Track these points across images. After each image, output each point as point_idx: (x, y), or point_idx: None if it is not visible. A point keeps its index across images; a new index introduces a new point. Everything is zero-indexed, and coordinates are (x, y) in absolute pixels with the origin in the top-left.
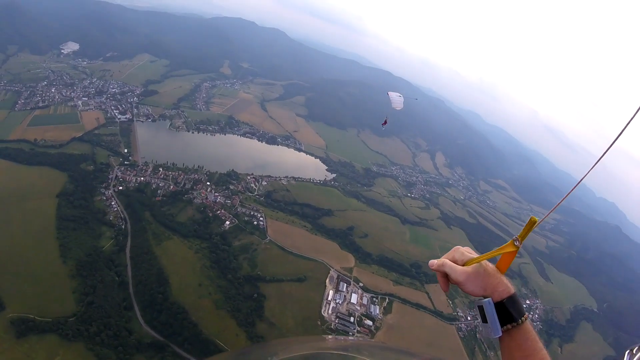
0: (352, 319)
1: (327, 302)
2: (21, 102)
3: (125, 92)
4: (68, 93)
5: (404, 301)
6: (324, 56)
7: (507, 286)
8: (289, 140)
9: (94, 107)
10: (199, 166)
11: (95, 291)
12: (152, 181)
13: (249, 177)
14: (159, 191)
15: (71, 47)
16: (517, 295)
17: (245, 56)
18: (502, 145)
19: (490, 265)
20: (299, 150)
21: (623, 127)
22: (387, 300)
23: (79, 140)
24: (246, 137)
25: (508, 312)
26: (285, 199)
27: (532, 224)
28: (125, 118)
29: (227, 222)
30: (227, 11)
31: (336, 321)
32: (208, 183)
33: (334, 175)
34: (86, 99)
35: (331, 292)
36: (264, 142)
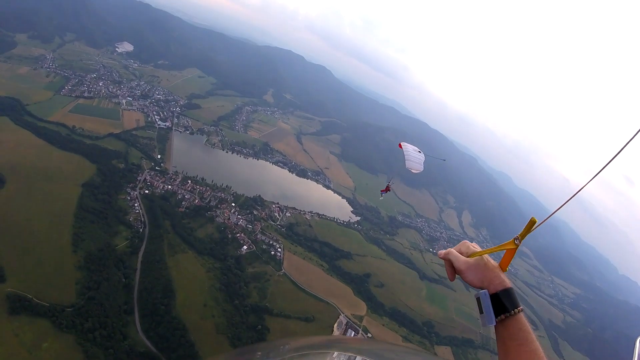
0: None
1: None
2: (67, 88)
3: (169, 101)
4: (114, 90)
5: None
6: (364, 99)
7: (504, 280)
8: (319, 175)
9: (137, 108)
10: (227, 186)
11: (99, 287)
12: (179, 191)
13: (273, 206)
14: (183, 202)
15: (126, 47)
16: (513, 290)
17: (289, 87)
18: (530, 210)
19: (491, 261)
20: (328, 187)
21: None
22: None
23: (115, 136)
24: (278, 166)
25: (502, 303)
26: (307, 234)
27: (532, 224)
28: (165, 125)
29: (245, 247)
30: (278, 42)
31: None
32: (233, 204)
33: (359, 218)
34: (130, 99)
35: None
36: (294, 174)
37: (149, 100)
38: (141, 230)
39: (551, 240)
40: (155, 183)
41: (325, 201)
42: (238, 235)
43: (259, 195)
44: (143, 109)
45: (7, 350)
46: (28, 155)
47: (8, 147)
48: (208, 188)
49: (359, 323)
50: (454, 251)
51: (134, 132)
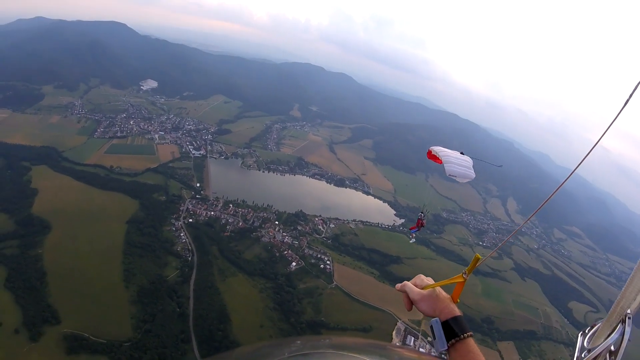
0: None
1: None
2: (100, 130)
3: (200, 130)
4: (145, 126)
5: None
6: (390, 100)
7: (453, 309)
8: (357, 183)
9: (170, 141)
10: (268, 205)
11: (154, 319)
12: (222, 216)
13: (316, 219)
14: (227, 227)
15: (150, 84)
16: (462, 317)
17: (314, 100)
18: (575, 188)
19: (443, 292)
20: (367, 193)
21: None
22: None
23: (153, 171)
24: (315, 179)
25: (452, 329)
26: (353, 243)
27: (476, 260)
28: (199, 154)
29: (294, 264)
30: (295, 57)
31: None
32: (277, 222)
33: (403, 220)
34: (162, 133)
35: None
36: (332, 184)
37: (181, 132)
38: (190, 258)
39: (600, 216)
40: (198, 211)
41: (367, 207)
42: (285, 252)
43: (301, 210)
44: (176, 140)
45: None
46: (70, 199)
47: (50, 194)
48: (250, 209)
49: (417, 328)
50: (409, 284)
51: (170, 165)
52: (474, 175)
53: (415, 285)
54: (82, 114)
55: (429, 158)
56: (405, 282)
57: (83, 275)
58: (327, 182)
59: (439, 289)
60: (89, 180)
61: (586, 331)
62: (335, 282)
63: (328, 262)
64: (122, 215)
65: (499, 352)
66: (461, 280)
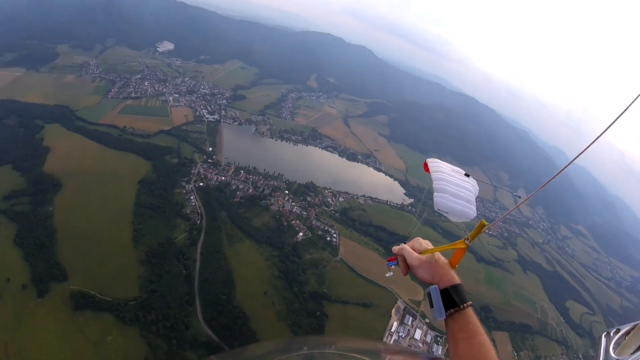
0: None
1: (389, 334)
2: (114, 91)
3: (215, 94)
4: (160, 88)
5: None
6: (409, 77)
7: (453, 277)
8: (369, 159)
9: (184, 104)
10: (279, 174)
11: (161, 280)
12: (233, 182)
13: (326, 191)
14: (237, 193)
15: (166, 46)
16: (462, 286)
17: (332, 71)
18: (585, 187)
19: (442, 258)
20: (379, 170)
21: None
22: None
23: (166, 133)
24: (327, 151)
25: (452, 298)
26: (361, 218)
27: (481, 226)
28: (213, 118)
29: (301, 234)
30: (315, 27)
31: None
32: (286, 192)
33: (412, 200)
34: (177, 95)
35: (395, 324)
36: (344, 158)
37: (195, 95)
38: (199, 222)
39: (608, 218)
40: (209, 175)
41: (377, 184)
42: (293, 222)
43: (311, 182)
44: (190, 104)
45: (73, 345)
46: (82, 158)
47: (62, 152)
48: (261, 177)
49: (416, 308)
50: (408, 247)
51: (184, 128)
52: (474, 214)
53: (414, 249)
54: (96, 74)
55: (425, 170)
56: (403, 245)
57: (93, 234)
58: (340, 155)
59: (438, 255)
60: (101, 140)
61: (611, 334)
62: (340, 256)
63: (335, 235)
64: (133, 176)
65: (494, 341)
66: (463, 246)
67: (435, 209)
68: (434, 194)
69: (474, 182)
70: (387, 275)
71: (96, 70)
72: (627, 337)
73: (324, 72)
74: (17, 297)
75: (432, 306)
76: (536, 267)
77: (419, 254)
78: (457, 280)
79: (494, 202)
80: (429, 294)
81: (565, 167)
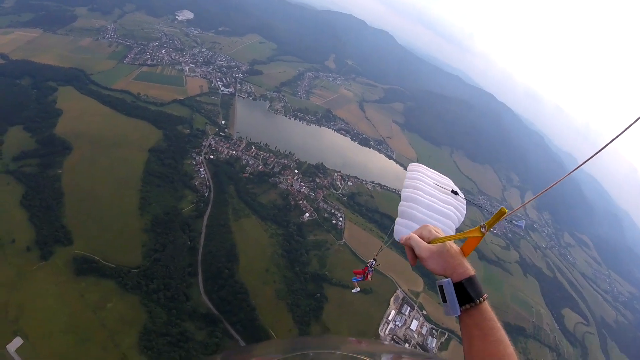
0: (407, 346)
1: (386, 322)
2: (130, 57)
3: (231, 67)
4: (177, 57)
5: (461, 341)
6: (428, 67)
7: (467, 268)
8: (381, 145)
9: (200, 75)
10: (289, 152)
11: (165, 250)
12: (243, 157)
13: (336, 174)
14: (247, 168)
15: (186, 15)
16: (476, 278)
17: (351, 53)
18: (594, 198)
19: (455, 247)
20: (390, 157)
21: None
22: (446, 335)
23: (180, 102)
24: (340, 133)
25: (467, 292)
26: (368, 204)
27: (501, 214)
28: (228, 91)
29: (307, 214)
30: (338, 7)
31: (391, 343)
32: (296, 171)
33: None
34: (193, 65)
35: (393, 313)
36: (356, 142)
37: (212, 67)
38: (206, 194)
39: (612, 232)
40: (220, 148)
41: (387, 171)
42: (300, 202)
43: (322, 163)
44: (206, 75)
45: (72, 309)
46: (94, 123)
47: (74, 115)
48: (271, 154)
49: (415, 299)
50: (416, 236)
51: (198, 98)
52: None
53: (422, 238)
54: (113, 39)
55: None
56: (411, 233)
57: (99, 199)
58: (352, 139)
59: (450, 244)
60: (114, 105)
61: None
62: (344, 240)
63: (341, 218)
64: (144, 144)
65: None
66: (478, 234)
67: (396, 239)
68: (397, 219)
69: (461, 204)
70: (353, 291)
71: (113, 35)
72: None
73: (343, 53)
74: (20, 258)
75: (444, 301)
76: (537, 271)
77: (428, 243)
78: (471, 271)
79: (501, 202)
80: (440, 287)
81: (574, 170)
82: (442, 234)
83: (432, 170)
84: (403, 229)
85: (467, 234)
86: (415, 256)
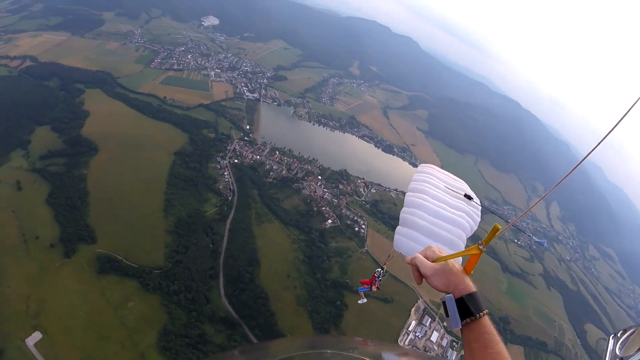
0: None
1: (406, 332)
2: (157, 61)
3: (256, 73)
4: (203, 62)
5: None
6: (453, 73)
7: (468, 285)
8: (405, 152)
9: (225, 80)
10: (313, 158)
11: (187, 252)
12: (267, 162)
13: (359, 181)
14: (271, 173)
15: (211, 21)
16: (477, 294)
17: (375, 60)
18: (620, 210)
19: (457, 265)
20: (414, 165)
21: None
22: None
23: (205, 107)
24: (364, 140)
25: (467, 307)
26: (391, 212)
27: (495, 230)
28: (253, 97)
29: (329, 221)
30: (362, 13)
31: (398, 345)
32: (319, 177)
33: None
34: (219, 71)
35: (413, 323)
36: (380, 149)
37: (237, 72)
38: (230, 198)
39: (638, 246)
40: (244, 153)
41: (411, 180)
42: (323, 208)
43: (345, 170)
44: (231, 80)
45: (93, 307)
46: (120, 125)
47: (101, 117)
48: (295, 160)
49: (436, 310)
50: (420, 256)
51: (223, 103)
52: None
53: (427, 258)
54: (140, 43)
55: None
56: (416, 254)
57: (124, 200)
58: (376, 146)
59: (452, 262)
60: (140, 108)
61: (618, 335)
62: (366, 247)
63: (363, 226)
64: (170, 147)
65: None
66: (477, 252)
67: (396, 250)
68: (397, 227)
69: (474, 210)
70: (359, 302)
71: (140, 40)
72: (631, 337)
73: (367, 60)
74: (44, 255)
75: (447, 315)
76: (560, 284)
77: (432, 262)
78: (472, 288)
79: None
80: (444, 303)
81: (582, 160)
82: (444, 254)
83: (444, 171)
84: (403, 238)
85: (467, 252)
86: (420, 275)
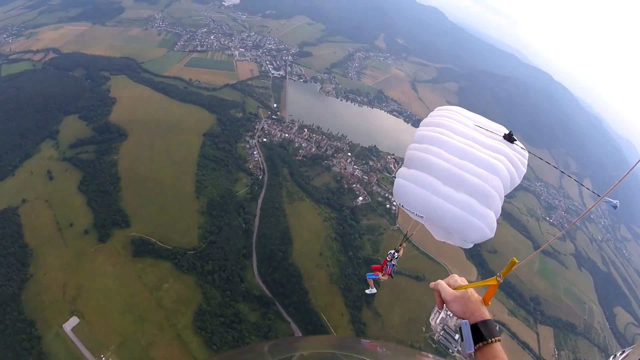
0: (457, 337)
1: (437, 311)
2: (180, 44)
3: (280, 50)
4: (226, 42)
5: (513, 335)
6: (482, 44)
7: (484, 313)
8: None
9: (250, 59)
10: (342, 134)
11: (220, 232)
12: (296, 140)
13: (389, 157)
14: (300, 151)
15: (232, 0)
16: (491, 321)
17: (401, 32)
18: None
19: (475, 295)
20: None
21: None
22: (497, 328)
23: (231, 87)
24: (393, 115)
25: (481, 333)
26: None
27: (512, 264)
28: (278, 74)
29: (360, 198)
30: None
31: (441, 333)
32: (349, 154)
33: None
34: (243, 50)
35: None
36: (409, 124)
37: (261, 51)
38: (260, 177)
39: None
40: (273, 131)
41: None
42: (354, 185)
43: (375, 146)
44: (256, 59)
45: (130, 290)
46: (148, 110)
47: (128, 103)
48: (324, 137)
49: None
50: (443, 283)
51: (249, 82)
52: (488, 234)
53: (449, 285)
54: (162, 27)
55: None
56: (439, 280)
57: (156, 183)
58: (405, 120)
59: (471, 291)
60: (167, 91)
61: (617, 355)
62: (398, 225)
63: (395, 203)
64: (198, 128)
65: (537, 334)
66: (494, 283)
67: (395, 200)
68: (399, 169)
69: (518, 155)
70: (367, 292)
71: (162, 24)
72: (629, 354)
73: (393, 32)
74: (79, 241)
75: (462, 339)
76: (591, 265)
77: (454, 289)
78: (487, 316)
79: (558, 189)
80: (459, 328)
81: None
82: (465, 283)
83: (475, 114)
84: (409, 184)
85: (486, 283)
86: (441, 300)
